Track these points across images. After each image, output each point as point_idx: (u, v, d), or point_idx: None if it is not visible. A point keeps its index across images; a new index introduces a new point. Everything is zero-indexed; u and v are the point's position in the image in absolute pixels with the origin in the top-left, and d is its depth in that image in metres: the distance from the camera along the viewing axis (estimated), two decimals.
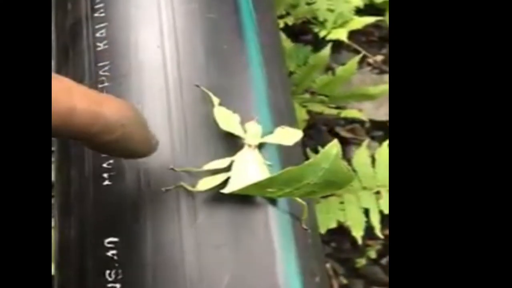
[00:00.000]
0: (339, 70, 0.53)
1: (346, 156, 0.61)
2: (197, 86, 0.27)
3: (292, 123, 0.31)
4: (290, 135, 0.27)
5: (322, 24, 0.58)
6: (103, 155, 0.27)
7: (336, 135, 0.60)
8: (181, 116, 0.27)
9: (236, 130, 0.26)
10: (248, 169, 0.25)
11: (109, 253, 0.25)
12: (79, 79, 0.29)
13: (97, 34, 0.29)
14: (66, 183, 0.28)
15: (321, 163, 0.22)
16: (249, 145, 0.26)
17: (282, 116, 0.29)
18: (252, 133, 0.26)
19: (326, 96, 0.56)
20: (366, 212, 0.53)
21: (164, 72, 0.27)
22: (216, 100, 0.27)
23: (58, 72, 0.30)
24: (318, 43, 0.60)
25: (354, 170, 0.54)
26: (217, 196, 0.25)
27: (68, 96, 0.19)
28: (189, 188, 0.25)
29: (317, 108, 0.54)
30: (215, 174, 0.25)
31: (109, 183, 0.26)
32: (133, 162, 0.26)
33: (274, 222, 0.26)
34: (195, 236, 0.25)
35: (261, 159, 0.26)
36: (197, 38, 0.28)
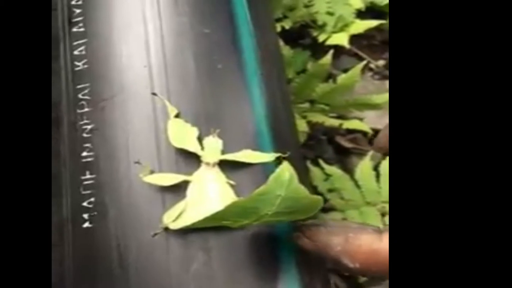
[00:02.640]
0: (341, 78, 0.50)
1: (347, 167, 0.58)
2: (154, 94, 0.24)
3: (295, 148, 0.28)
4: (256, 156, 0.24)
5: (321, 28, 0.55)
6: (83, 192, 0.23)
7: (337, 145, 0.57)
8: (171, 145, 0.23)
9: (191, 146, 0.23)
10: (206, 191, 0.22)
11: None
12: (55, 103, 0.25)
13: (76, 52, 0.25)
14: None
15: (275, 190, 0.19)
16: (207, 163, 0.23)
17: (283, 140, 0.26)
18: (210, 149, 0.23)
19: (327, 104, 0.52)
20: None
21: (151, 96, 0.24)
22: (173, 111, 0.23)
23: None
24: (317, 48, 0.56)
25: (357, 185, 0.51)
26: (214, 237, 0.22)
27: None
28: (162, 226, 0.22)
29: (317, 118, 0.51)
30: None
31: (89, 225, 0.23)
32: (116, 201, 0.23)
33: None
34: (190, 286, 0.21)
35: (222, 178, 0.23)
36: (188, 56, 0.25)
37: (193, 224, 0.21)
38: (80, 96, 0.25)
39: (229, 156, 0.23)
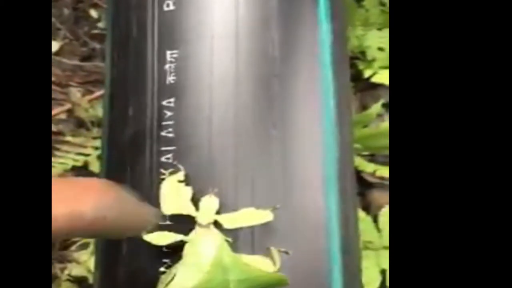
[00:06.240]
0: (383, 126, 0.50)
1: (367, 200, 0.59)
2: None
3: (352, 196, 0.28)
4: (253, 215, 0.23)
5: (370, 62, 0.54)
6: None
7: (361, 178, 0.58)
8: None
9: (184, 208, 0.23)
10: (200, 252, 0.22)
11: None
12: None
13: (163, 159, 0.25)
14: None
15: (218, 275, 0.20)
16: (200, 225, 0.23)
17: (346, 190, 0.27)
18: (205, 209, 0.23)
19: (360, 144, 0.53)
20: (383, 272, 0.52)
21: None
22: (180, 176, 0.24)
23: None
24: (359, 79, 0.56)
25: (377, 228, 0.53)
26: None
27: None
28: None
29: None
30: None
31: None
32: None
33: None
34: None
35: (219, 238, 0.22)
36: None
37: None
38: None
39: (223, 217, 0.23)
